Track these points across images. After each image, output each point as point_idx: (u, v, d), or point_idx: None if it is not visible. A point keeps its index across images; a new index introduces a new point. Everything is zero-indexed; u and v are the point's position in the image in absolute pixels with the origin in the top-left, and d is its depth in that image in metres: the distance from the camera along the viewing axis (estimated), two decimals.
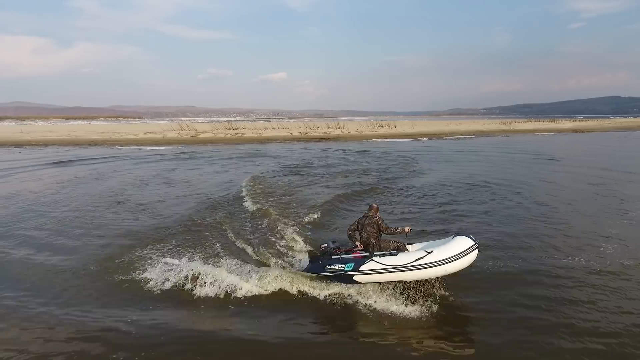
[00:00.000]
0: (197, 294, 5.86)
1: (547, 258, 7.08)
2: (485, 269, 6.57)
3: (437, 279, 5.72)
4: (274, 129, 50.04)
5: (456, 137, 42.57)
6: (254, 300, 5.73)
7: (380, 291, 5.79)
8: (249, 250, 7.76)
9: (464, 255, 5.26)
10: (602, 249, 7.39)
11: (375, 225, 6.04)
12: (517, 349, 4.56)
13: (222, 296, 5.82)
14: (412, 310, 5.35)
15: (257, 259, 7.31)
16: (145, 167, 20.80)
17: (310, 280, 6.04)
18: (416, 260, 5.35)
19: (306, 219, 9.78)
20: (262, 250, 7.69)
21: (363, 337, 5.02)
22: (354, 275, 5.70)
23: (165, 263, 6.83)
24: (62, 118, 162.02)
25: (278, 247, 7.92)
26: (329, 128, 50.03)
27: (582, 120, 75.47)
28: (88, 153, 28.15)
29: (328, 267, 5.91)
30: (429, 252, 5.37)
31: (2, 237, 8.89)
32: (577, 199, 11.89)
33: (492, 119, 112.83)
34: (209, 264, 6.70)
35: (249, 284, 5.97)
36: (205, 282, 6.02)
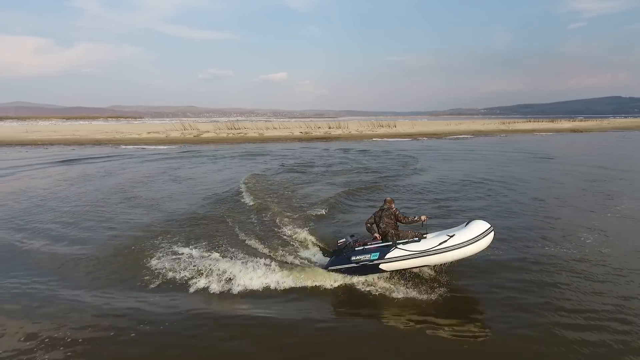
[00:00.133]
0: (213, 284, 6.19)
1: (534, 247, 7.62)
2: (478, 258, 7.08)
3: (440, 266, 6.10)
4: (275, 128, 50.56)
5: (455, 136, 43.07)
6: (265, 288, 6.08)
7: (399, 279, 6.08)
8: (265, 242, 8.10)
9: (483, 237, 5.69)
10: (582, 239, 7.97)
11: (392, 216, 6.35)
12: (500, 323, 5.12)
13: (244, 288, 6.07)
14: (420, 294, 5.77)
15: (280, 251, 7.61)
16: (150, 165, 21.35)
17: (329, 273, 6.26)
18: (440, 244, 5.71)
19: (314, 214, 10.20)
20: (279, 243, 8.07)
21: (377, 320, 5.40)
22: (380, 263, 5.92)
23: (181, 253, 7.34)
24: (63, 118, 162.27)
25: (288, 239, 8.34)
26: (329, 128, 50.56)
27: (581, 121, 75.90)
28: (93, 152, 28.72)
29: (353, 258, 6.09)
30: (451, 236, 5.75)
31: (19, 230, 9.37)
32: (567, 194, 12.44)
33: (492, 119, 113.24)
34: (221, 253, 7.24)
35: (258, 275, 6.27)
36: (221, 274, 6.37)
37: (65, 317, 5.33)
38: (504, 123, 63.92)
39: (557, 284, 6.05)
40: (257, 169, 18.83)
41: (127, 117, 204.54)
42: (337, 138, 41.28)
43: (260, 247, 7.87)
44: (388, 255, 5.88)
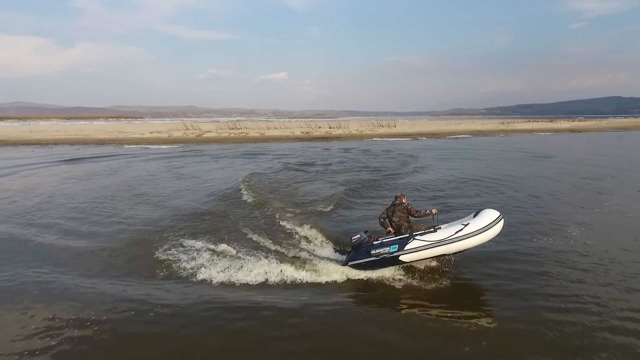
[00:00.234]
0: (228, 273, 6.58)
1: (524, 240, 8.05)
2: (472, 249, 7.52)
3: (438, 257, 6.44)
4: (276, 128, 51.04)
5: (455, 136, 43.51)
6: (277, 279, 6.42)
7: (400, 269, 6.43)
8: (275, 238, 8.44)
9: (495, 224, 6.05)
10: (570, 232, 8.45)
11: (405, 211, 6.60)
12: (489, 306, 5.63)
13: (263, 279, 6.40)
14: (418, 282, 6.22)
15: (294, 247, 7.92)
16: (155, 163, 21.82)
17: (338, 267, 6.56)
18: (456, 233, 6.00)
19: (317, 210, 10.59)
20: (287, 239, 8.40)
21: (377, 303, 5.81)
22: (400, 255, 6.12)
23: (189, 246, 7.79)
24: (64, 118, 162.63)
25: (293, 234, 8.67)
26: (330, 128, 51.02)
27: (580, 121, 76.29)
28: (98, 151, 29.20)
29: (373, 251, 6.26)
30: (466, 225, 6.06)
31: (33, 225, 9.73)
32: (560, 191, 12.88)
33: (492, 119, 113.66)
34: (229, 245, 7.70)
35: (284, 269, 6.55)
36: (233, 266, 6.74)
37: (88, 301, 5.78)
38: (503, 123, 64.33)
39: (542, 273, 6.49)
40: (260, 168, 19.29)
41: (128, 117, 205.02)
42: (337, 138, 41.73)
43: (266, 241, 8.25)
44: (407, 247, 6.11)
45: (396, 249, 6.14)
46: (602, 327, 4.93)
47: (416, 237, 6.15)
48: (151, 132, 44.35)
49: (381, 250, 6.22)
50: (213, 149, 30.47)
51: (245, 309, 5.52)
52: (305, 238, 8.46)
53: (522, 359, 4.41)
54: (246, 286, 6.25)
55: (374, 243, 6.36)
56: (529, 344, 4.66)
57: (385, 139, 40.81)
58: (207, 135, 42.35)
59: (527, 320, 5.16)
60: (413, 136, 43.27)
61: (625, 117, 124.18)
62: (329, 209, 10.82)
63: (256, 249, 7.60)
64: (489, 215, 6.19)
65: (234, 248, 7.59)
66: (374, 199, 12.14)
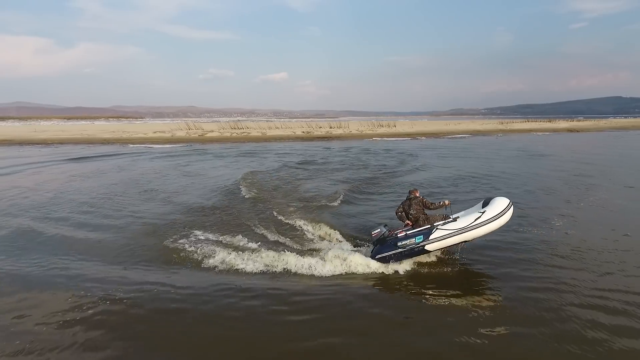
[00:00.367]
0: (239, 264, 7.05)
1: (511, 230, 8.63)
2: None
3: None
4: (277, 128, 51.69)
5: (453, 136, 44.12)
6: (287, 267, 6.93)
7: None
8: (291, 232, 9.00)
9: (508, 210, 6.63)
10: (553, 223, 9.12)
11: (420, 204, 6.96)
12: (473, 286, 6.26)
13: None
14: (417, 267, 6.84)
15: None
16: (161, 162, 22.48)
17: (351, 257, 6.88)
18: (475, 220, 6.48)
19: (321, 205, 11.13)
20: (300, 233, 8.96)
21: (378, 284, 6.44)
22: (425, 245, 6.51)
23: (200, 237, 8.43)
24: (64, 118, 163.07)
25: (303, 228, 9.08)
26: (330, 127, 51.66)
27: (579, 121, 76.84)
28: (103, 150, 29.86)
29: (400, 243, 6.60)
30: (483, 212, 6.56)
31: (47, 218, 10.29)
32: (550, 187, 13.53)
33: (492, 119, 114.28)
34: (243, 236, 8.33)
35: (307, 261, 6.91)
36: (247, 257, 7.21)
37: (114, 281, 6.41)
38: (502, 123, 64.89)
39: (525, 259, 7.13)
40: (262, 166, 19.94)
41: (128, 117, 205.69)
42: (338, 137, 42.38)
43: (273, 235, 8.83)
44: (432, 237, 6.50)
45: (422, 240, 6.52)
46: (572, 303, 5.57)
47: (439, 227, 6.58)
48: (154, 132, 45.02)
49: (407, 242, 6.58)
50: (216, 148, 31.12)
51: (258, 289, 6.12)
52: (319, 233, 8.68)
53: (503, 328, 5.05)
54: (263, 274, 6.75)
55: (399, 235, 6.68)
56: (509, 317, 5.31)
57: (385, 138, 41.43)
58: (209, 135, 43.01)
59: (508, 297, 5.84)
60: (412, 136, 43.88)
61: (625, 117, 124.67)
62: (335, 203, 11.34)
63: (272, 242, 8.16)
64: (501, 202, 6.78)
65: (243, 238, 8.21)
66: (374, 195, 12.78)
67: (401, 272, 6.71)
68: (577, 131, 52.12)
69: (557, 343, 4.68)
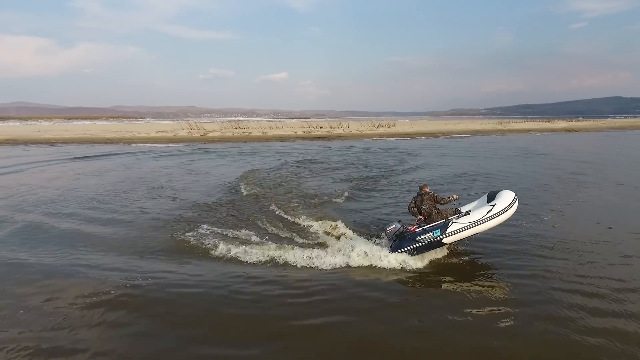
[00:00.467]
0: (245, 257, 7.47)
1: (502, 224, 9.17)
2: None
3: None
4: (278, 128, 52.19)
5: (452, 136, 44.60)
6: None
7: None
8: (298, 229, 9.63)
9: (514, 203, 7.05)
10: (542, 217, 9.68)
11: (431, 199, 7.29)
12: (466, 274, 6.76)
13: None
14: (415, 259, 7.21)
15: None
16: (165, 160, 22.98)
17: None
18: (487, 213, 6.88)
19: (322, 202, 11.56)
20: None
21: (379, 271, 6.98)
22: (443, 238, 6.86)
23: (208, 230, 8.94)
24: (65, 118, 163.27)
25: (305, 223, 9.53)
26: (331, 127, 52.17)
27: (578, 121, 77.29)
28: (107, 149, 30.35)
29: (419, 237, 6.94)
30: (493, 206, 6.94)
31: (58, 213, 10.75)
32: (543, 184, 14.06)
33: (492, 119, 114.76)
34: (252, 231, 8.82)
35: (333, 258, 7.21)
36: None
37: (130, 269, 6.93)
38: (501, 123, 65.36)
39: (513, 250, 7.66)
40: (264, 164, 20.44)
41: (129, 117, 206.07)
42: (338, 137, 42.87)
43: (277, 230, 9.35)
44: (448, 230, 6.86)
45: (439, 233, 6.89)
46: (554, 287, 6.09)
47: (454, 221, 6.96)
48: (157, 132, 45.54)
49: (426, 236, 6.93)
50: (218, 148, 31.63)
51: (265, 276, 6.63)
52: (324, 228, 9.04)
53: (488, 309, 5.56)
54: (269, 263, 7.23)
55: (417, 230, 7.03)
56: (495, 300, 5.82)
57: (385, 138, 41.92)
58: (211, 134, 43.52)
59: (496, 282, 6.38)
60: (412, 136, 44.37)
61: (625, 117, 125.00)
62: (339, 200, 11.81)
63: (277, 236, 8.69)
64: (508, 195, 7.18)
65: (249, 232, 8.72)
66: (375, 192, 13.25)
67: (399, 264, 7.15)
68: (576, 131, 52.56)
69: (538, 322, 5.19)
